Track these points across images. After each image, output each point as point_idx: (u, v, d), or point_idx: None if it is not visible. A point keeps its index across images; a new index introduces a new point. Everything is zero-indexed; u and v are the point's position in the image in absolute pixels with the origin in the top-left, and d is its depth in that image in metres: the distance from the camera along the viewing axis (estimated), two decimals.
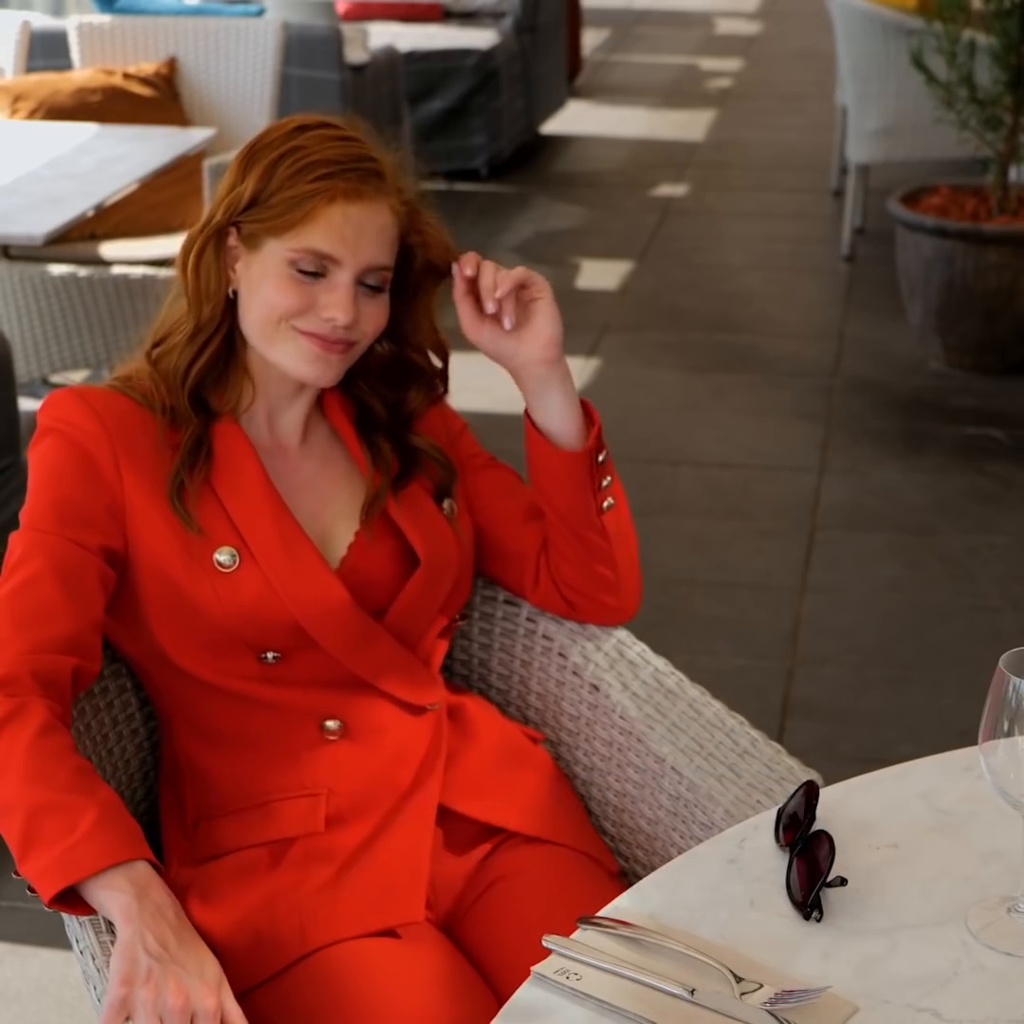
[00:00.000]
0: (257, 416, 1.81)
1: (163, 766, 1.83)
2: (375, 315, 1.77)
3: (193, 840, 1.76)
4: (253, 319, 1.76)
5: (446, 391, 1.93)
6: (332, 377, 1.77)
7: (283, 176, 1.72)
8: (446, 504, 1.88)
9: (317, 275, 1.72)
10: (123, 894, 1.50)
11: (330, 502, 1.82)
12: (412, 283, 1.82)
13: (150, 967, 1.46)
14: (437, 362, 1.90)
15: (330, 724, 1.76)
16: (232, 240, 1.75)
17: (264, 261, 1.74)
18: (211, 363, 1.78)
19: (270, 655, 1.74)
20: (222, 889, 1.70)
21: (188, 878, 1.72)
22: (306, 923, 1.67)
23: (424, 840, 1.75)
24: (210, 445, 1.76)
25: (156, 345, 1.80)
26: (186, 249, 1.78)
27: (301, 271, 1.72)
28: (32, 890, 1.53)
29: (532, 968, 1.37)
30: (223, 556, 1.73)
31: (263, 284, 1.74)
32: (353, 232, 1.72)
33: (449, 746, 1.83)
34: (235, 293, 1.77)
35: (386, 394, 1.87)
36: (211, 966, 1.50)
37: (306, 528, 1.78)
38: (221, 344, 1.78)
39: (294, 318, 1.73)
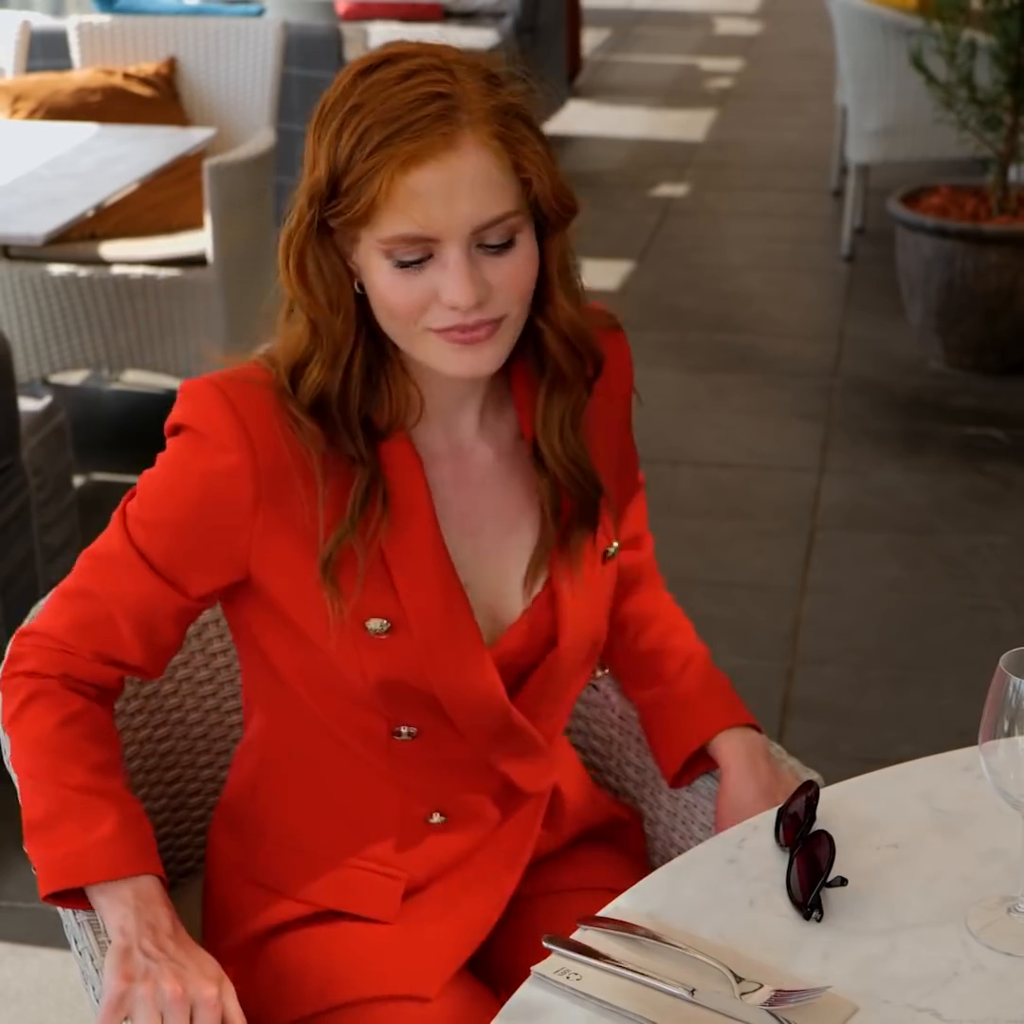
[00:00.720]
0: (430, 420, 1.54)
1: (246, 757, 1.68)
2: (513, 277, 1.44)
3: (254, 854, 1.65)
4: (384, 324, 1.48)
5: (591, 387, 1.58)
6: (490, 365, 1.47)
7: (345, 151, 1.41)
8: (614, 547, 1.63)
9: (420, 256, 1.42)
10: (124, 905, 1.48)
11: (503, 539, 1.57)
12: (541, 225, 1.48)
13: (147, 965, 1.45)
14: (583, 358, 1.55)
15: (436, 818, 1.62)
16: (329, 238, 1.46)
17: (366, 258, 1.45)
18: (364, 378, 1.49)
19: (405, 731, 1.56)
20: (275, 934, 1.63)
21: (241, 903, 1.65)
22: (334, 978, 1.59)
23: (487, 924, 1.66)
24: (385, 489, 1.49)
25: (293, 375, 1.48)
26: (285, 254, 1.47)
27: (401, 261, 1.43)
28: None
29: (532, 968, 1.37)
30: (376, 624, 1.51)
31: (374, 286, 1.45)
32: (434, 200, 1.39)
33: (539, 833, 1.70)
34: (362, 286, 1.48)
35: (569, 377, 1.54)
36: (210, 965, 1.48)
37: (472, 575, 1.55)
38: (369, 350, 1.49)
39: (421, 317, 1.44)
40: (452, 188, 1.39)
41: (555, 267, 1.50)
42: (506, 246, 1.44)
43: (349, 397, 1.48)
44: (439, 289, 1.42)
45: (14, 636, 1.60)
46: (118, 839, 1.49)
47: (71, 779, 1.51)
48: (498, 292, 1.44)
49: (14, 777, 1.56)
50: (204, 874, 1.72)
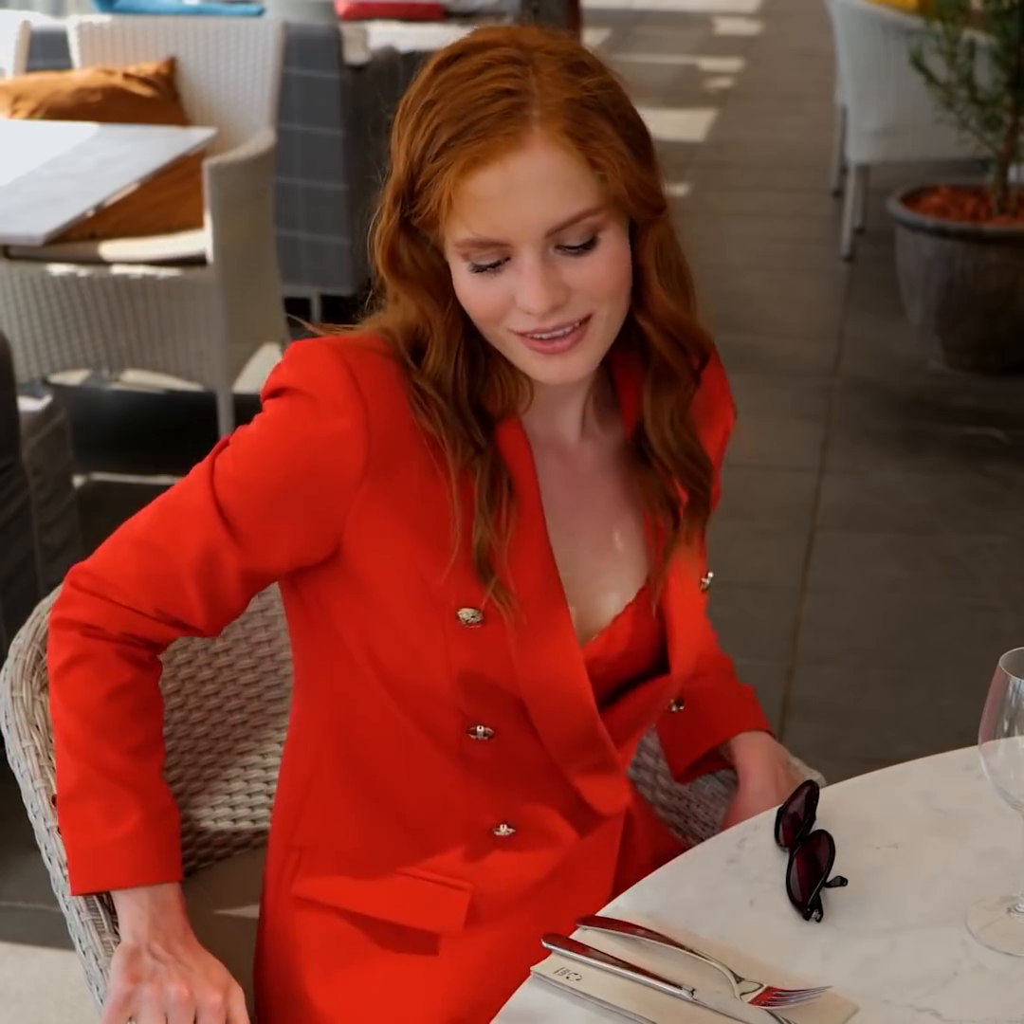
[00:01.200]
0: (534, 412, 1.48)
1: (297, 763, 1.60)
2: (598, 276, 1.37)
3: (294, 868, 1.60)
4: (473, 319, 1.42)
5: (696, 383, 1.51)
6: (580, 371, 1.41)
7: (418, 150, 1.35)
8: (709, 578, 1.61)
9: (496, 259, 1.36)
10: (139, 908, 1.48)
11: (601, 542, 1.52)
12: (633, 224, 1.41)
13: (155, 967, 1.45)
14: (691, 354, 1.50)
15: (503, 829, 1.54)
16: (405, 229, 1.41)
17: (450, 255, 1.40)
18: (470, 366, 1.43)
19: (481, 730, 1.48)
20: (320, 953, 1.57)
21: (281, 920, 1.61)
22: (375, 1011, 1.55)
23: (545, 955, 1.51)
24: (509, 477, 1.44)
25: (415, 355, 1.43)
26: (377, 249, 1.42)
27: (477, 264, 1.37)
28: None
29: (532, 968, 1.37)
30: (468, 613, 1.44)
31: (458, 284, 1.40)
32: (502, 202, 1.33)
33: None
34: None
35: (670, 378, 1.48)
36: (218, 971, 1.47)
37: (570, 572, 1.49)
38: (476, 339, 1.43)
39: (501, 319, 1.39)
40: (518, 190, 1.33)
41: (651, 261, 1.42)
42: (588, 246, 1.36)
43: (459, 383, 1.42)
44: (516, 293, 1.37)
45: (71, 571, 1.52)
46: (140, 839, 1.48)
47: (108, 763, 1.49)
48: (579, 293, 1.38)
49: (51, 730, 1.55)
50: (261, 894, 1.68)
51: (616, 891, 1.57)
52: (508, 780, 1.53)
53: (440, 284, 1.41)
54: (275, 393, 1.45)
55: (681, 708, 1.69)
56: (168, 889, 1.49)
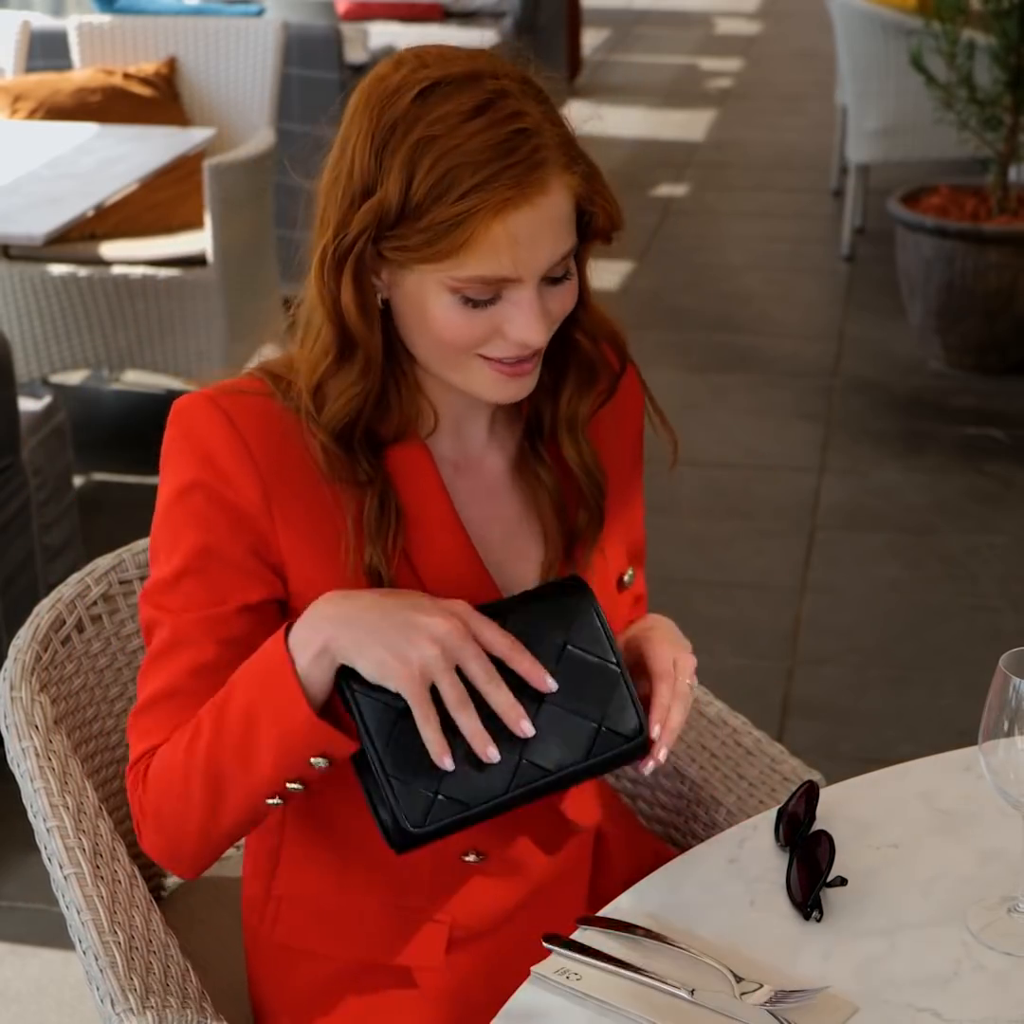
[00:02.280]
0: (442, 430, 1.51)
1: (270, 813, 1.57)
2: (564, 302, 1.43)
3: (274, 918, 1.60)
4: (425, 348, 1.44)
5: (611, 394, 1.59)
6: (530, 388, 1.46)
7: (424, 188, 1.34)
8: (629, 574, 1.63)
9: (490, 295, 1.38)
10: (314, 631, 1.38)
11: (513, 550, 1.55)
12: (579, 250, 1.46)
13: (398, 629, 1.36)
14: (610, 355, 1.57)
15: (471, 857, 1.55)
16: (368, 252, 1.40)
17: (419, 287, 1.40)
18: (379, 395, 1.46)
19: None
20: (317, 992, 1.57)
21: (277, 969, 1.60)
22: None
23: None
24: (397, 503, 1.47)
25: (318, 394, 1.44)
26: (325, 266, 1.41)
27: (470, 299, 1.38)
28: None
29: (532, 968, 1.37)
30: None
31: (426, 314, 1.40)
32: (525, 244, 1.36)
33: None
34: (384, 302, 1.43)
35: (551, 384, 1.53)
36: (455, 603, 1.40)
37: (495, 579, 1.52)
38: (386, 368, 1.45)
39: (476, 348, 1.41)
40: (538, 230, 1.36)
41: (588, 274, 1.49)
42: (565, 275, 1.42)
43: (362, 414, 1.45)
44: (506, 326, 1.39)
45: (130, 786, 1.51)
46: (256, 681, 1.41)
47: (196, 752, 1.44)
48: (553, 322, 1.43)
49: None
50: (246, 961, 1.67)
51: (591, 909, 1.58)
52: None
53: (373, 307, 1.42)
54: (167, 456, 1.48)
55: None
56: (291, 635, 1.40)
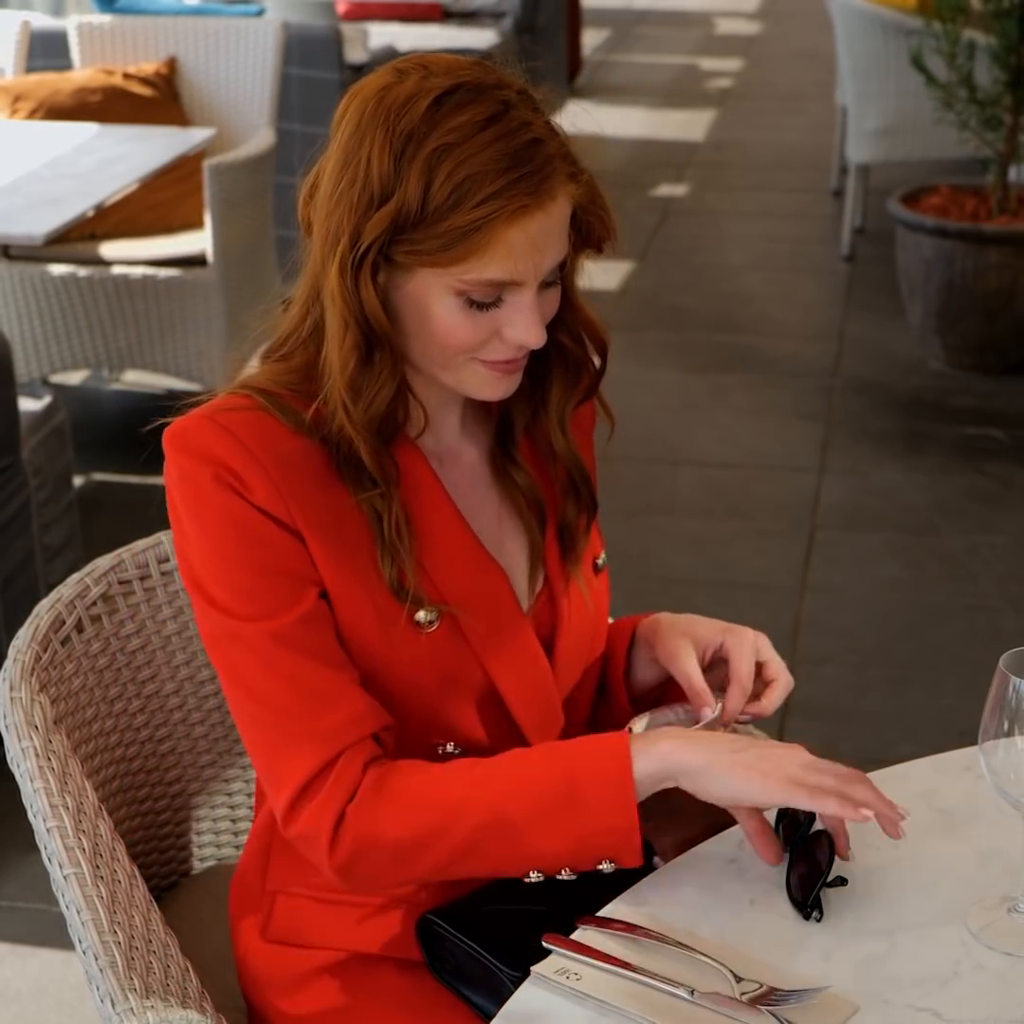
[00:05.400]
0: (428, 430, 1.55)
1: (261, 809, 1.64)
2: (553, 305, 1.50)
3: (269, 914, 1.62)
4: (421, 349, 1.47)
5: (592, 392, 1.63)
6: (515, 387, 1.52)
7: (442, 194, 1.39)
8: (603, 558, 1.66)
9: (493, 298, 1.43)
10: (670, 748, 1.43)
11: (501, 540, 1.58)
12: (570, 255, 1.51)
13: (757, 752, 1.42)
14: (594, 355, 1.61)
15: None
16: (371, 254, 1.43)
17: (423, 288, 1.43)
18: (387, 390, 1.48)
19: (451, 747, 1.53)
20: (306, 984, 1.58)
21: (266, 963, 1.61)
22: None
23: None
24: (400, 508, 1.48)
25: (350, 393, 1.45)
26: (341, 276, 1.43)
27: (475, 301, 1.43)
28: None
29: (532, 968, 1.37)
30: (424, 614, 1.49)
31: (428, 317, 1.44)
32: (535, 248, 1.41)
33: None
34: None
35: (530, 382, 1.58)
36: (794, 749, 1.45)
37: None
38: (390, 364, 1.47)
39: (476, 351, 1.46)
40: (546, 239, 1.42)
41: (576, 277, 1.54)
42: (555, 281, 1.48)
43: (388, 419, 1.48)
44: (506, 328, 1.44)
45: (287, 814, 1.47)
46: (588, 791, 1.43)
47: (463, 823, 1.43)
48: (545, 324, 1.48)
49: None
50: (235, 957, 1.68)
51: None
52: None
53: (376, 311, 1.43)
54: (192, 477, 1.46)
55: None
56: (634, 740, 1.44)
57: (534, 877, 1.45)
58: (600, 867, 1.44)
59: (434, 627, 1.49)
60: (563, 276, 1.51)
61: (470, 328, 1.43)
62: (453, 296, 1.42)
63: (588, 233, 1.50)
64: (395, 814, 1.44)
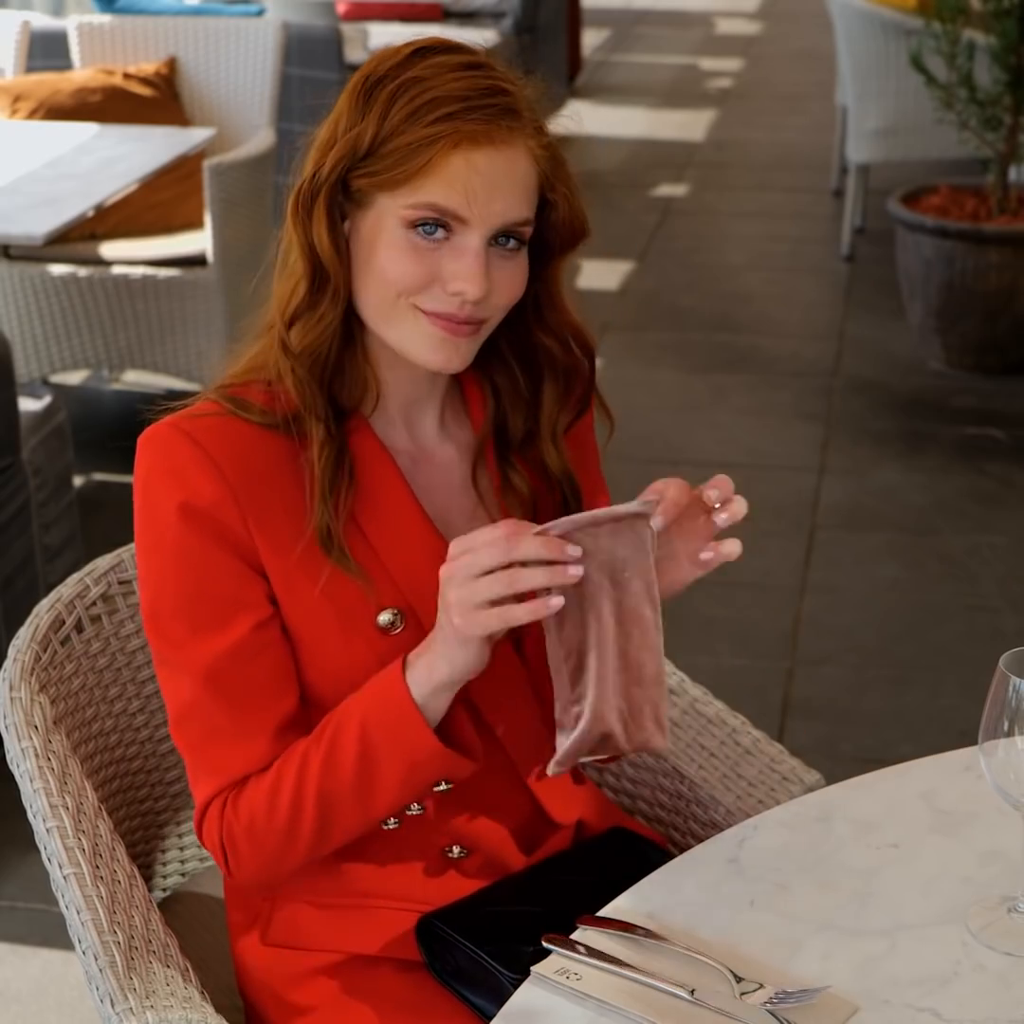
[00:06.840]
0: (391, 414, 1.55)
1: None
2: (510, 283, 1.47)
3: (268, 919, 1.62)
4: (368, 295, 1.47)
5: (589, 402, 1.63)
6: (459, 363, 1.48)
7: (398, 117, 1.42)
8: None
9: (440, 234, 1.43)
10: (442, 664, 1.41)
11: (478, 526, 1.53)
12: (547, 246, 1.52)
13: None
14: (581, 358, 1.60)
15: (456, 851, 1.58)
16: (339, 196, 1.46)
17: (376, 223, 1.45)
18: (343, 343, 1.49)
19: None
20: (305, 985, 1.58)
21: (265, 964, 1.61)
22: None
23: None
24: (351, 463, 1.50)
25: (291, 324, 1.48)
26: (298, 201, 1.47)
27: (421, 233, 1.43)
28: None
29: (532, 968, 1.37)
30: (387, 616, 1.50)
31: (375, 251, 1.45)
32: (482, 184, 1.42)
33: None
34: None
35: (526, 392, 1.58)
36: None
37: None
38: (340, 323, 1.48)
39: (415, 294, 1.44)
40: (495, 179, 1.43)
41: (561, 279, 1.56)
42: (514, 251, 1.47)
43: (326, 350, 1.48)
44: (447, 274, 1.44)
45: (207, 812, 1.52)
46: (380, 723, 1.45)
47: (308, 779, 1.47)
48: (495, 293, 1.46)
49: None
50: (233, 958, 1.68)
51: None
52: (457, 798, 1.56)
53: (341, 243, 1.46)
54: (142, 487, 1.49)
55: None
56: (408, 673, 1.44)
57: (392, 824, 1.54)
58: (438, 788, 1.52)
59: (399, 630, 1.49)
60: (544, 274, 1.52)
61: (411, 263, 1.43)
62: (402, 227, 1.43)
63: (552, 218, 1.50)
64: (250, 821, 1.49)
